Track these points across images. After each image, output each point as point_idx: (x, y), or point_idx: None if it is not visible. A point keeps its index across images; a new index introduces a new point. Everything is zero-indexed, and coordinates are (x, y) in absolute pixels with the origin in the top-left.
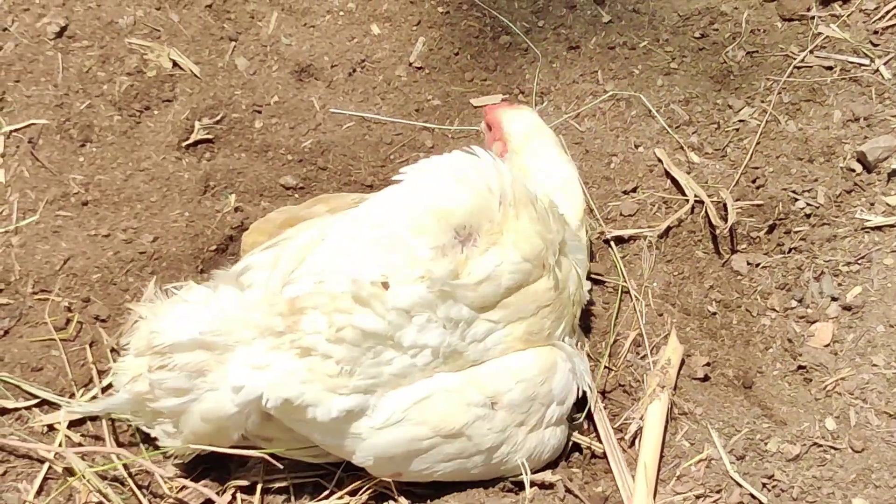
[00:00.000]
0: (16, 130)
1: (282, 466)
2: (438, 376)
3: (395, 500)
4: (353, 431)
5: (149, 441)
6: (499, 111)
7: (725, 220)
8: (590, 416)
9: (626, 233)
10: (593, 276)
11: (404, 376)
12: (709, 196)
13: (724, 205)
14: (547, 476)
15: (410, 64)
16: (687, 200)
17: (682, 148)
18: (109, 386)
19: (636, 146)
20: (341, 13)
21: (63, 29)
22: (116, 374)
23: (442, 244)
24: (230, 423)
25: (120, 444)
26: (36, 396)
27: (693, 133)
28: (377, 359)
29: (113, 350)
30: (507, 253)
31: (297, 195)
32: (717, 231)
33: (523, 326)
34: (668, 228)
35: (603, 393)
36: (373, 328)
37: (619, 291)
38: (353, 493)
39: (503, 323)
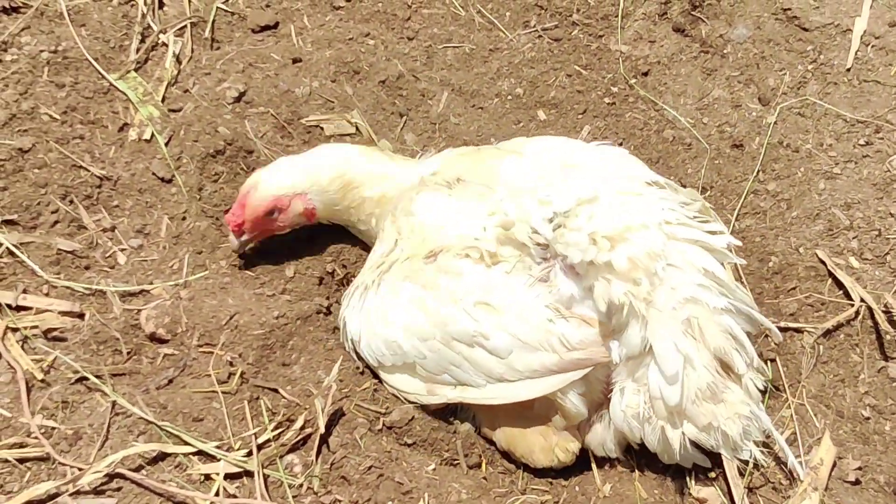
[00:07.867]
0: (192, 188)
1: None
2: None
3: None
4: None
5: (300, 498)
6: (251, 193)
7: (894, 325)
8: None
9: (787, 325)
10: None
11: None
12: None
13: (890, 311)
14: None
15: None
16: (849, 304)
17: (842, 252)
18: (265, 444)
19: (796, 247)
20: (509, 97)
21: (241, 94)
22: None
23: None
24: None
25: (272, 500)
26: (195, 446)
27: (853, 238)
28: None
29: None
30: None
31: None
32: (886, 337)
33: None
34: (827, 331)
35: (751, 489)
36: None
37: (768, 387)
38: None
39: None
